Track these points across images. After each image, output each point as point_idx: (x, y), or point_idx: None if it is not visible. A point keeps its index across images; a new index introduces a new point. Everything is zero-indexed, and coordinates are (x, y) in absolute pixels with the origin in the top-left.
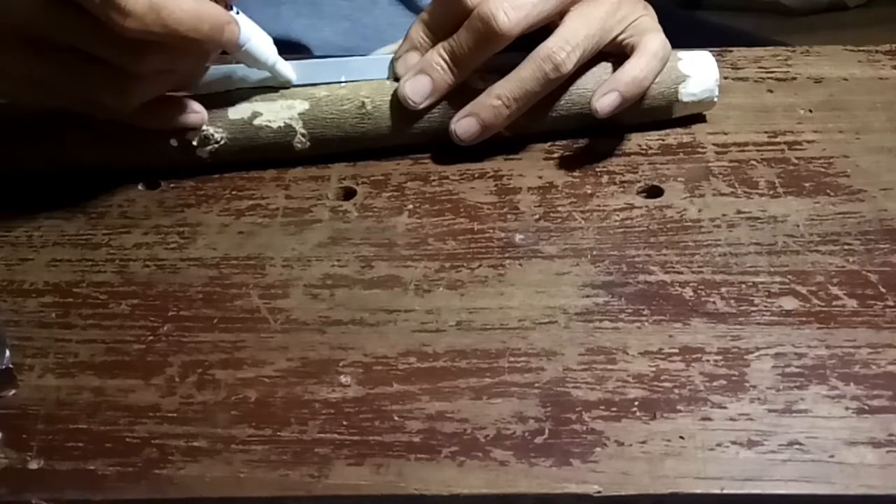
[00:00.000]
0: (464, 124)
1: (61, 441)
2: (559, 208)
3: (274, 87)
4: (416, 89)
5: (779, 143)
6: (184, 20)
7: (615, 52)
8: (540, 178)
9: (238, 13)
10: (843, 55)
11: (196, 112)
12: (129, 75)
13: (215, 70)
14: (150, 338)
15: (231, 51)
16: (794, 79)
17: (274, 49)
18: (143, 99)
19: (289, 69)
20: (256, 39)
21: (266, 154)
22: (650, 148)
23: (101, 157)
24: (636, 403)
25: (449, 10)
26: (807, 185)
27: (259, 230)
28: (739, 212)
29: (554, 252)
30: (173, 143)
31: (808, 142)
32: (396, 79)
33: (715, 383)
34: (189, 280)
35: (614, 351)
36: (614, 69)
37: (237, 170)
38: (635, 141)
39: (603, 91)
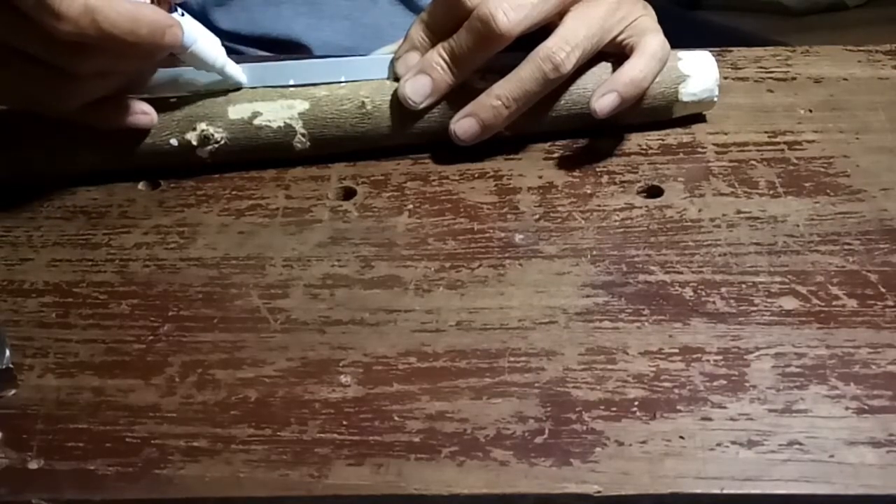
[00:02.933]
0: (463, 124)
1: (61, 441)
2: (559, 208)
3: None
4: (416, 89)
5: (779, 143)
6: (119, 23)
7: (615, 53)
8: (540, 178)
9: (183, 15)
10: (843, 55)
11: (146, 114)
12: (69, 76)
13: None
14: (150, 338)
15: (176, 53)
16: (794, 79)
17: (222, 51)
18: (84, 99)
19: (238, 71)
20: (203, 41)
21: (266, 154)
22: (650, 148)
23: (102, 157)
24: (636, 403)
25: (449, 11)
26: (807, 185)
27: (259, 230)
28: (739, 212)
29: (554, 252)
30: (173, 143)
31: (808, 142)
32: (396, 79)
33: (715, 383)
34: (189, 280)
35: (614, 351)
36: (614, 69)
37: (237, 170)
38: (635, 141)
39: (602, 92)
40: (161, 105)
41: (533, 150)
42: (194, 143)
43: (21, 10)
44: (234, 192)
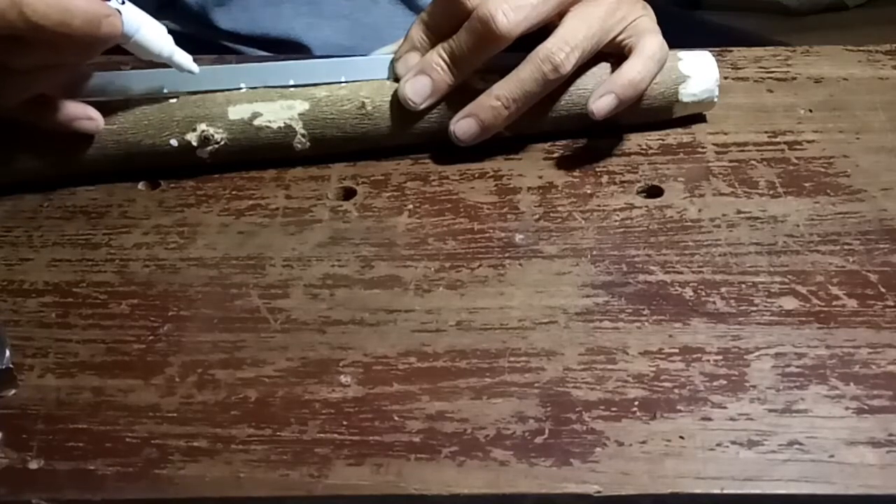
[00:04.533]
0: (463, 125)
1: (61, 441)
2: (559, 208)
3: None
4: (417, 90)
5: (779, 143)
6: (50, 15)
7: (614, 53)
8: (540, 178)
9: (123, 2)
10: (843, 55)
11: (90, 119)
12: (6, 70)
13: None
14: (150, 338)
15: (118, 42)
16: (794, 79)
17: (169, 39)
18: (23, 95)
19: (188, 60)
20: (147, 30)
21: (266, 154)
22: (650, 148)
23: (102, 157)
24: (636, 403)
25: (449, 11)
26: (807, 185)
27: (259, 230)
28: (739, 212)
29: (554, 252)
30: (173, 143)
31: (808, 142)
32: (396, 79)
33: (715, 383)
34: (189, 280)
35: (614, 351)
36: (613, 69)
37: (237, 170)
38: (635, 141)
39: (599, 93)
40: (161, 105)
41: (533, 150)
42: (194, 143)
43: None
44: (234, 192)
